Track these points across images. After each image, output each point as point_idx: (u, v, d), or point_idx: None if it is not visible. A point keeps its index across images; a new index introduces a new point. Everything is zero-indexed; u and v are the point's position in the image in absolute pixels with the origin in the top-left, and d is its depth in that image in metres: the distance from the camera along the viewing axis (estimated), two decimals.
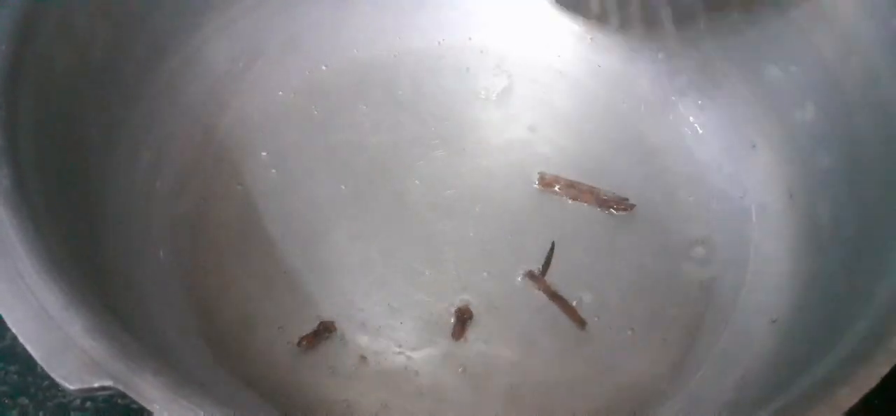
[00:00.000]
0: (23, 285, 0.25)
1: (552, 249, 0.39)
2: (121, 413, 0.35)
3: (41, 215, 0.28)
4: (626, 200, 0.41)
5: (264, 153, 0.42)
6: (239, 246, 0.39)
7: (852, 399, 0.25)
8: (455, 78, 0.46)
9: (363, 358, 0.36)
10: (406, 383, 0.35)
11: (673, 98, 0.44)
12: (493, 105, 0.45)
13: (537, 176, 0.42)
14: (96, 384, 0.24)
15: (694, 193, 0.42)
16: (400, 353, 0.36)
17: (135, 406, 0.24)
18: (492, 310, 0.37)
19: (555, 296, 0.38)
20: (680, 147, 0.43)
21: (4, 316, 0.25)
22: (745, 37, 0.42)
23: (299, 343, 0.36)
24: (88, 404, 0.35)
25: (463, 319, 0.37)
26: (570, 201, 0.41)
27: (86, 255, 0.30)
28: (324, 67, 0.45)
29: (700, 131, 0.43)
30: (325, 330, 0.36)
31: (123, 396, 0.24)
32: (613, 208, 0.41)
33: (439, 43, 0.46)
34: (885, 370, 0.26)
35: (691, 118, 0.44)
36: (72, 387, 0.24)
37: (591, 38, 0.46)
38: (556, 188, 0.41)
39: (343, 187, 0.41)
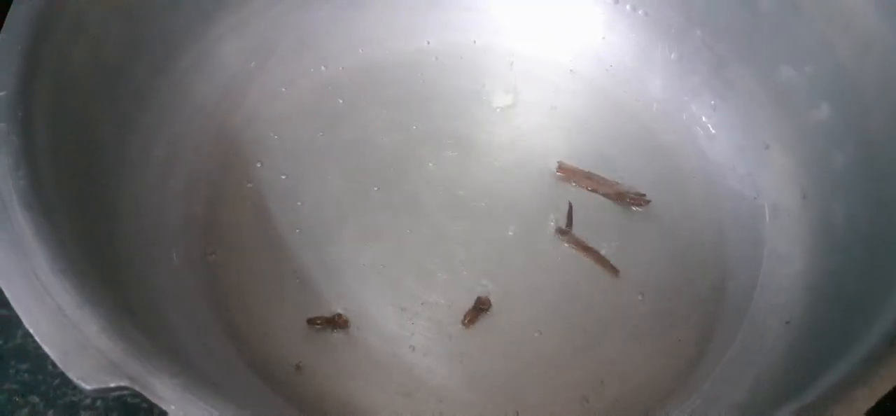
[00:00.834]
0: (39, 284, 0.25)
1: (571, 208, 0.40)
2: (130, 411, 0.35)
3: (57, 214, 0.28)
4: (643, 195, 0.41)
5: (276, 152, 0.42)
6: (250, 245, 0.39)
7: (870, 401, 0.25)
8: (467, 78, 0.46)
9: (373, 358, 0.36)
10: (416, 383, 0.35)
11: (686, 98, 0.44)
12: (505, 105, 0.45)
13: (556, 164, 0.42)
14: (112, 385, 0.24)
15: (707, 194, 0.42)
16: (411, 353, 0.36)
17: (144, 404, 0.24)
18: (503, 310, 0.37)
19: (585, 247, 0.39)
20: (693, 147, 0.43)
21: (22, 317, 0.25)
22: (759, 36, 0.41)
23: (310, 322, 0.36)
24: (98, 402, 0.35)
25: (480, 308, 0.37)
26: (582, 200, 0.41)
27: (100, 254, 0.30)
28: (336, 67, 0.45)
29: (713, 132, 0.43)
30: (338, 323, 0.36)
31: (133, 394, 0.24)
32: (630, 202, 0.41)
33: (451, 43, 0.46)
34: None
35: (704, 118, 0.44)
36: (88, 387, 0.24)
37: (603, 37, 0.46)
38: (573, 182, 0.41)
39: (354, 187, 0.41)
